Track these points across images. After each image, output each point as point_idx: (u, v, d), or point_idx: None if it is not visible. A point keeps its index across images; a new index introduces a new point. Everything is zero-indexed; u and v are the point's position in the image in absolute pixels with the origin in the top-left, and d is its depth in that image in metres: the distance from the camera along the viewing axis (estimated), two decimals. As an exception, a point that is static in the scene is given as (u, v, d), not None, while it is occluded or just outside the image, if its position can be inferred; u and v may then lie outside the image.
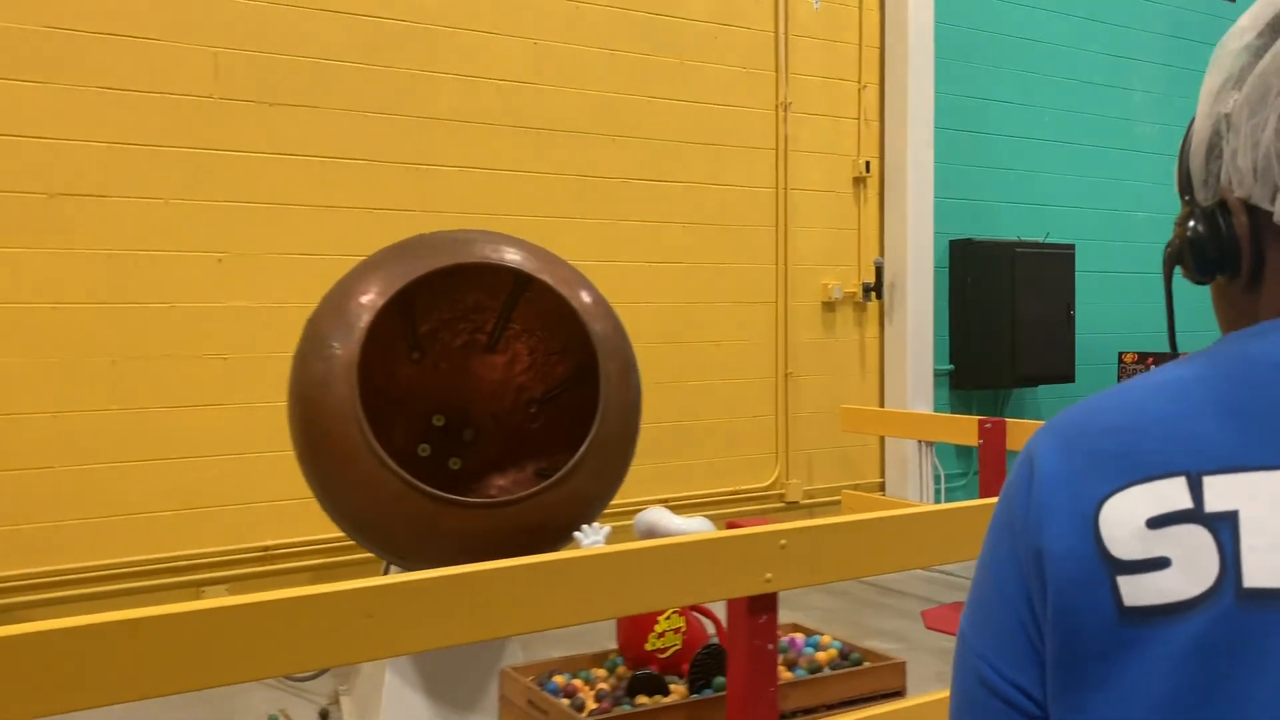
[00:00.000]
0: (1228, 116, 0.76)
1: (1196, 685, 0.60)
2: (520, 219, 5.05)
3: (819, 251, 6.00)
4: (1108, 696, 0.63)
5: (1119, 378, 6.37)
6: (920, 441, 6.08)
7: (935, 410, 6.40)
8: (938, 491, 6.20)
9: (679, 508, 5.53)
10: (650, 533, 2.68)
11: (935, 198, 6.38)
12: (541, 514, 2.68)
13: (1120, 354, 6.37)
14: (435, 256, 2.94)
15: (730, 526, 2.37)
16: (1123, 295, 7.22)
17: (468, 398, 3.46)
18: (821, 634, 2.91)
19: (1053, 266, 6.36)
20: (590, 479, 2.76)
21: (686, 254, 5.56)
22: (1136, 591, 0.63)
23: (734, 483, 5.73)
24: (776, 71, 5.80)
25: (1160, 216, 7.45)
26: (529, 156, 5.08)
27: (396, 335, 3.33)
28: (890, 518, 2.48)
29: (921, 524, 2.54)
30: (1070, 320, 6.42)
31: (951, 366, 6.49)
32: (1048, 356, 6.32)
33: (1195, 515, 0.63)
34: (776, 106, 5.81)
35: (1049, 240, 6.60)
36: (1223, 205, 0.76)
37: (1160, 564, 0.63)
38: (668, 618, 2.59)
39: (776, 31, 5.79)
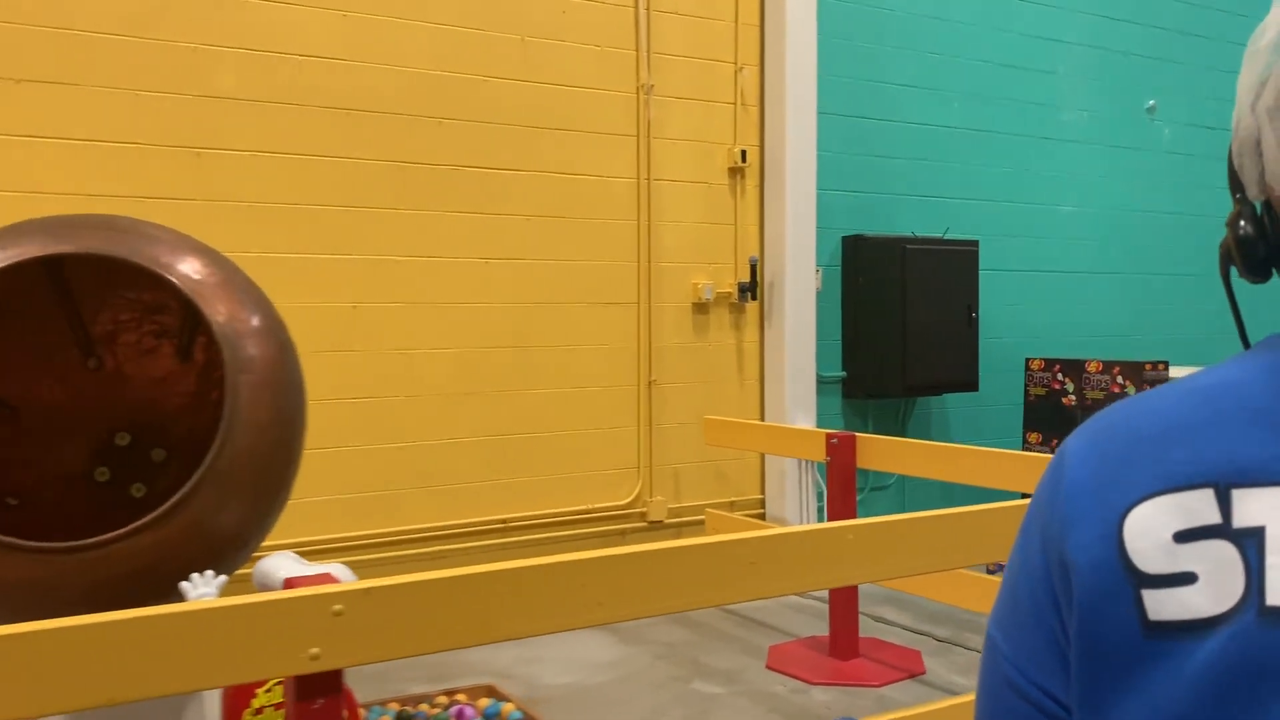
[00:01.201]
0: (1262, 117, 0.72)
1: (1215, 703, 0.58)
2: (326, 209, 4.56)
3: (689, 248, 5.49)
4: (1128, 709, 0.62)
5: (1026, 387, 5.85)
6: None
7: (823, 422, 5.88)
8: (820, 510, 5.68)
9: (526, 528, 5.03)
10: (265, 586, 2.18)
11: (827, 191, 5.87)
12: (138, 560, 2.18)
13: (1027, 360, 5.84)
14: (85, 238, 2.45)
15: (287, 585, 1.87)
16: (1035, 296, 6.67)
17: (159, 413, 2.96)
18: (506, 700, 2.40)
19: (953, 265, 5.83)
20: (212, 514, 2.25)
21: (530, 250, 5.05)
22: (1161, 606, 0.62)
23: (588, 500, 5.22)
24: (637, 51, 5.29)
25: (1087, 210, 6.92)
26: (336, 140, 4.59)
27: (65, 337, 2.83)
28: (547, 566, 1.98)
29: (592, 572, 2.03)
30: (972, 324, 5.89)
31: (844, 374, 5.97)
32: (946, 363, 5.79)
33: (1223, 530, 0.61)
34: (637, 89, 5.30)
35: (948, 236, 6.07)
36: (1269, 204, 0.74)
37: (1186, 579, 0.61)
38: (268, 690, 2.09)
39: (636, 7, 5.28)
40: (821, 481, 5.65)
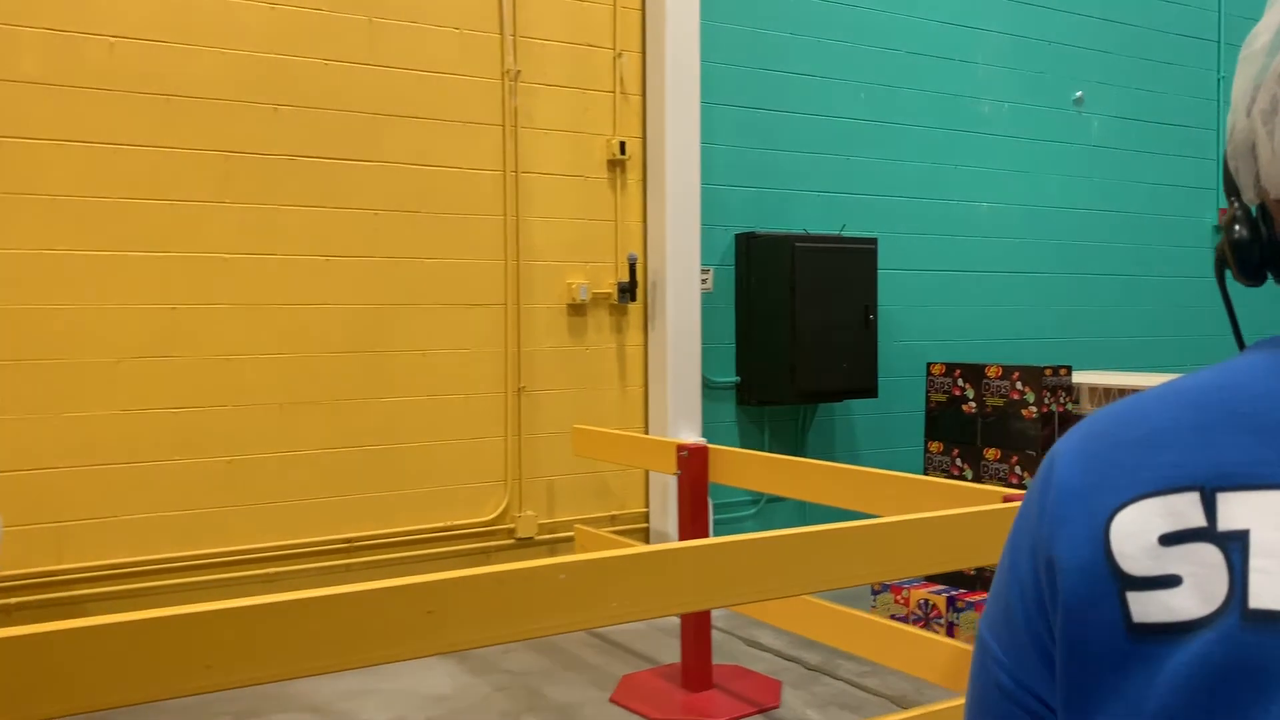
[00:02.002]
0: (1256, 121, 0.72)
1: (1197, 706, 0.59)
2: (140, 203, 4.19)
3: (563, 245, 5.14)
4: (1111, 711, 0.62)
5: (927, 393, 5.51)
6: (686, 467, 5.21)
7: (715, 431, 5.53)
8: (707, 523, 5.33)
9: (375, 548, 4.67)
10: None
11: (720, 186, 5.53)
12: None
13: (929, 365, 5.50)
14: None
15: None
16: (947, 297, 6.34)
17: None
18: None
19: (849, 264, 5.49)
20: None
21: (379, 247, 4.70)
22: (1145, 608, 0.62)
23: (448, 516, 4.86)
24: (501, 34, 4.94)
25: (1007, 207, 6.59)
26: (152, 128, 4.22)
27: None
28: (334, 597, 1.68)
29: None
30: (870, 326, 5.55)
31: (737, 380, 5.63)
32: (842, 368, 5.45)
33: (1208, 534, 0.61)
34: (502, 75, 4.95)
35: (846, 234, 5.73)
36: (1264, 208, 0.74)
37: (1171, 582, 0.61)
38: None
39: (500, -14, 4.94)
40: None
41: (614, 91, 5.23)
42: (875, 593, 4.73)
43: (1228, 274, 0.78)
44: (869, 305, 5.53)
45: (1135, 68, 7.17)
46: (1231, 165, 0.76)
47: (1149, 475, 0.65)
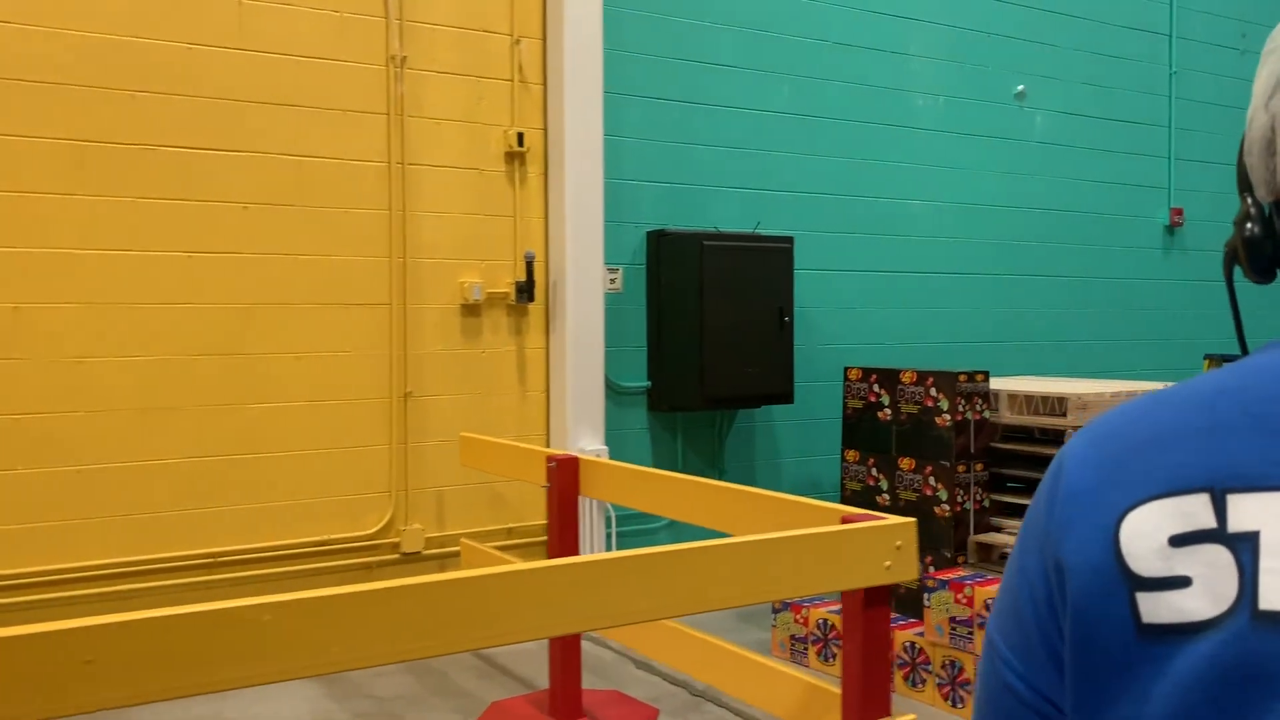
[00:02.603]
0: (1278, 115, 0.72)
1: (1206, 706, 0.58)
2: (-15, 195, 3.92)
3: (456, 242, 4.86)
4: (1120, 712, 0.62)
5: (845, 398, 5.24)
6: (587, 477, 4.94)
7: (625, 439, 5.26)
8: (609, 537, 5.06)
9: (241, 563, 4.40)
10: None
11: (630, 181, 5.26)
12: None
13: (846, 370, 5.23)
14: None
15: None
16: (875, 299, 6.06)
17: None
18: None
19: (763, 264, 5.22)
20: None
21: (249, 242, 4.42)
22: (1155, 609, 0.62)
23: (325, 530, 4.58)
24: (386, 18, 4.66)
25: (944, 205, 6.32)
26: (-8, 114, 3.95)
27: None
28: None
29: None
30: (786, 329, 5.28)
31: (649, 384, 5.36)
32: (755, 373, 5.18)
33: (1218, 535, 0.61)
34: (387, 61, 4.68)
35: (761, 231, 5.46)
36: (1277, 204, 0.75)
37: (1181, 583, 0.61)
38: None
39: (384, -32, 4.66)
40: (610, 507, 5.04)
41: (512, 80, 4.96)
42: (776, 610, 4.47)
43: (1236, 271, 0.77)
44: (784, 307, 5.26)
45: (1082, 61, 6.91)
46: (1246, 160, 0.75)
47: (1159, 476, 0.65)
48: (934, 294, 6.31)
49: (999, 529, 4.68)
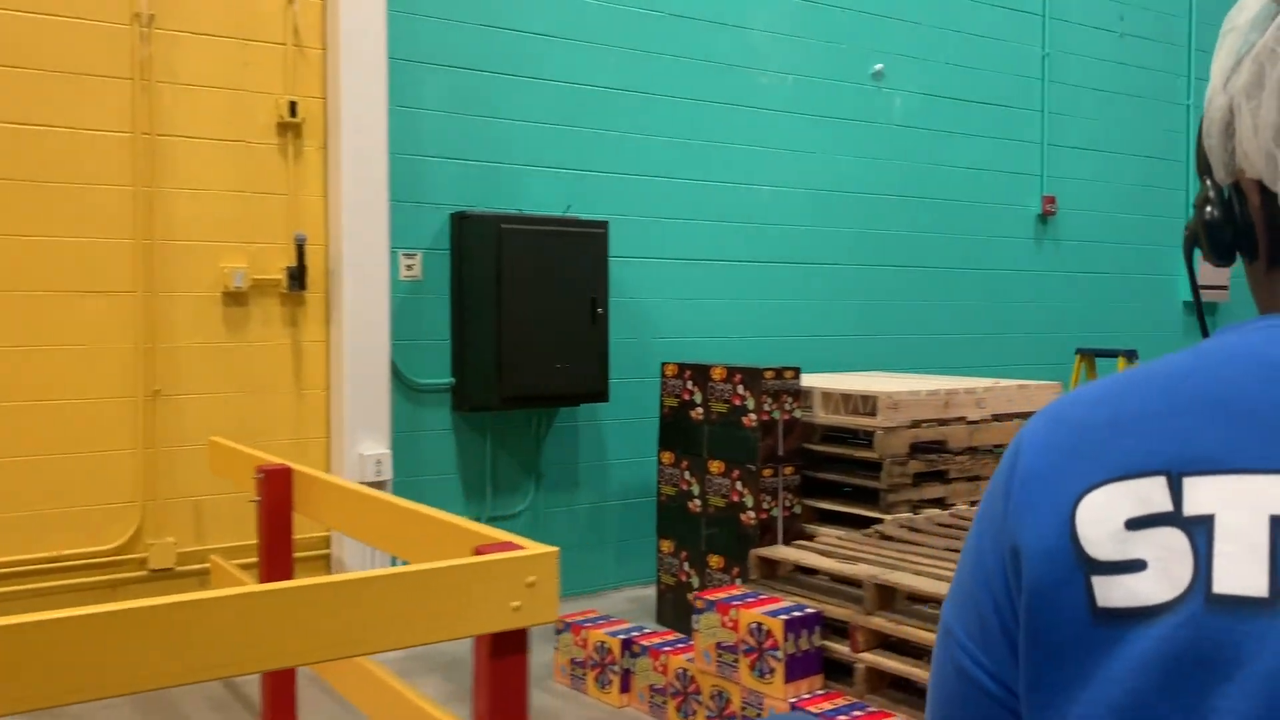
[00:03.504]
0: (1235, 96, 0.72)
1: (1157, 689, 0.59)
2: None
3: (216, 223, 4.38)
4: (1073, 695, 0.62)
5: (661, 396, 4.84)
6: (370, 484, 4.50)
7: (427, 441, 4.81)
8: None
9: (-49, 583, 3.88)
10: None
11: (433, 158, 4.81)
12: None
13: (663, 366, 4.84)
14: None
15: None
16: (706, 290, 5.65)
17: None
18: None
19: (573, 251, 4.80)
20: None
21: (-41, 221, 3.90)
22: (1110, 593, 0.62)
23: (58, 545, 4.08)
24: (128, -30, 4.17)
25: (791, 191, 5.94)
26: None
27: None
28: None
29: None
30: (600, 321, 4.86)
31: (452, 381, 4.91)
32: (563, 369, 4.76)
33: (1174, 518, 0.61)
34: (132, 19, 4.17)
35: (571, 214, 5.03)
36: (1238, 186, 0.74)
37: (1136, 566, 0.62)
38: None
39: (124, -87, 4.16)
40: (394, 515, 4.58)
41: (285, 43, 4.48)
42: (558, 631, 4.05)
43: (1198, 254, 0.78)
44: (598, 297, 4.84)
45: (945, 40, 6.56)
46: (1205, 142, 0.75)
47: (1116, 459, 0.65)
48: (782, 285, 5.92)
49: (812, 536, 4.31)
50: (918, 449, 4.33)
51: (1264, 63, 0.69)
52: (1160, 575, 0.60)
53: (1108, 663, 0.61)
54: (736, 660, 3.33)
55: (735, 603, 3.37)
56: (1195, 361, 0.67)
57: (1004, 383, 4.73)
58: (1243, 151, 0.71)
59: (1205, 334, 0.76)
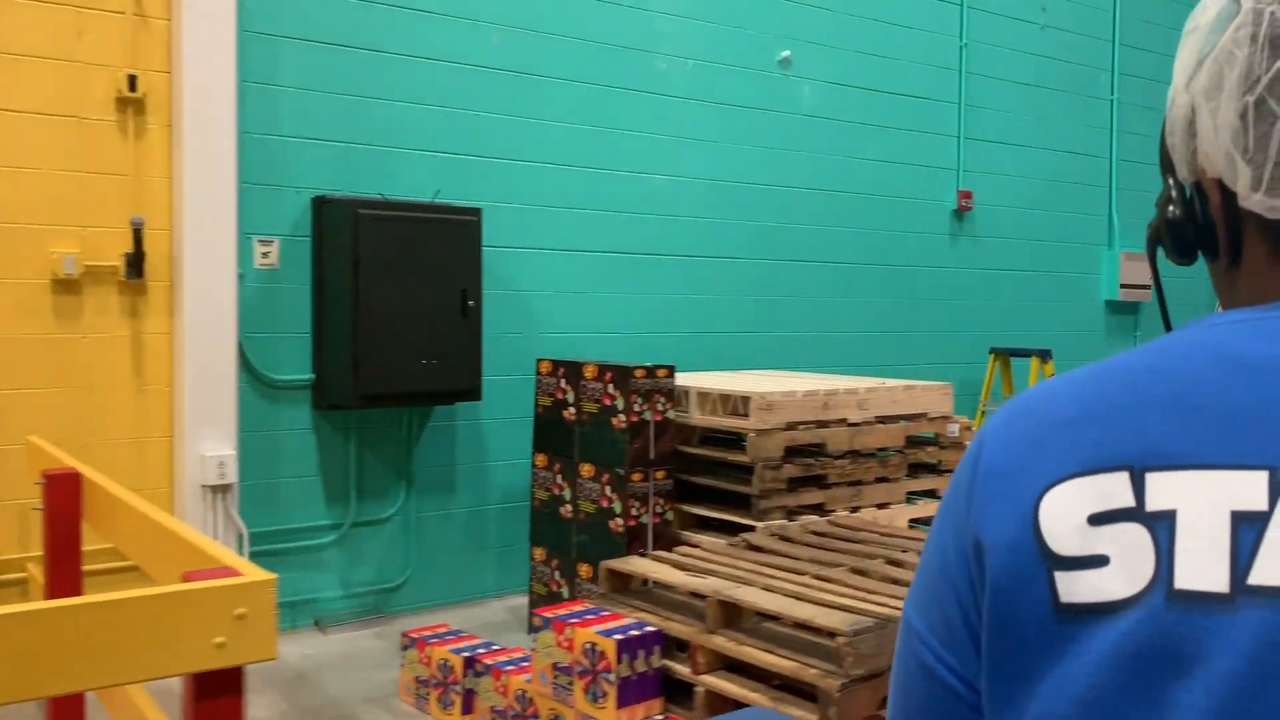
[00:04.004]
0: (1197, 97, 0.73)
1: (1119, 685, 0.59)
2: None
3: (43, 205, 4.04)
4: (1035, 691, 0.62)
5: (536, 392, 4.58)
6: (214, 487, 4.21)
7: (286, 441, 4.51)
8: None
9: None
10: None
11: (293, 139, 4.50)
12: None
13: (538, 363, 4.58)
14: None
15: None
16: (596, 284, 5.38)
17: None
18: None
19: (443, 240, 4.51)
20: None
21: None
22: (1073, 588, 0.62)
23: None
24: (-60, -73, 3.83)
25: (690, 181, 5.70)
26: None
27: None
28: None
29: None
30: (472, 314, 4.58)
31: (312, 377, 4.62)
32: (432, 366, 4.48)
33: (1136, 514, 0.62)
34: (-56, -19, 3.85)
35: (440, 200, 4.74)
36: (1199, 186, 0.75)
37: (1098, 562, 0.62)
38: None
39: None
40: (241, 522, 4.29)
41: (125, 12, 4.15)
42: (404, 647, 3.78)
43: (1161, 252, 0.79)
44: (469, 289, 4.56)
45: (858, 28, 6.35)
46: (1169, 140, 0.76)
47: (1079, 454, 0.64)
48: (678, 280, 5.68)
49: (686, 543, 4.07)
50: (794, 452, 4.11)
51: (1223, 64, 0.69)
52: (1122, 571, 0.60)
53: (1070, 658, 0.60)
54: (571, 682, 3.08)
55: (572, 620, 3.12)
56: (1157, 358, 0.67)
57: (890, 383, 4.52)
58: (1204, 151, 0.71)
59: (1168, 328, 0.76)
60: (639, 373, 4.06)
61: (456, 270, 4.51)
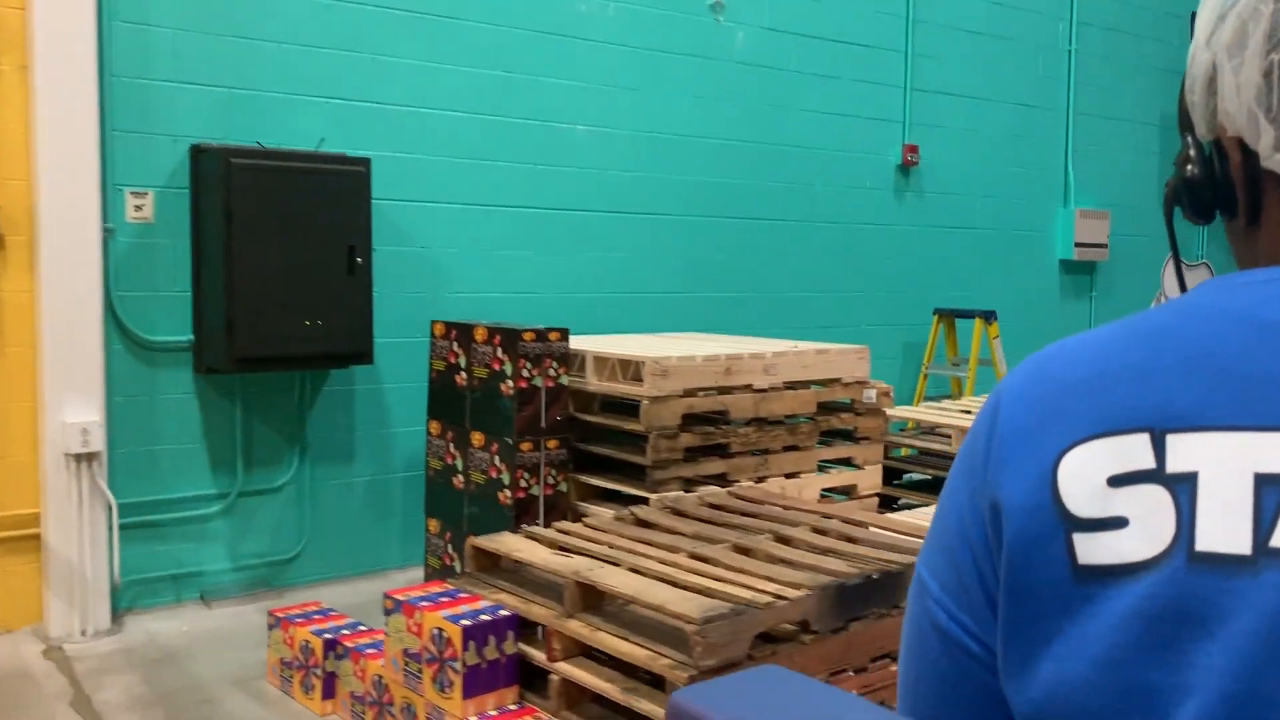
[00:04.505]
0: (1218, 53, 0.71)
1: (1138, 645, 0.59)
2: None
3: (-115, 153, 3.76)
4: (1052, 652, 0.62)
5: (430, 357, 4.33)
6: (77, 456, 3.95)
7: (167, 406, 4.25)
8: (112, 532, 4.07)
9: None
10: None
11: (168, 83, 4.20)
12: None
13: (432, 324, 4.32)
14: None
15: None
16: (500, 241, 5.10)
17: None
18: None
19: (327, 192, 4.23)
20: None
21: None
22: (1091, 550, 0.62)
23: None
24: None
25: (610, 131, 5.40)
26: None
27: None
28: None
29: None
30: (360, 272, 4.31)
31: (192, 338, 4.35)
32: (317, 328, 4.21)
33: (1156, 475, 0.61)
34: None
35: (323, 149, 4.45)
36: (1218, 144, 0.73)
37: (1118, 524, 0.61)
38: None
39: None
40: (109, 493, 4.04)
41: (-28, -57, 3.83)
42: (270, 626, 3.56)
43: (1178, 213, 0.77)
44: (356, 246, 4.29)
45: (795, -28, 6.03)
46: (1187, 98, 0.74)
47: (1098, 416, 0.64)
48: (600, 238, 5.40)
49: (583, 516, 3.84)
50: (694, 421, 3.87)
51: (1247, 20, 0.68)
52: (1142, 532, 0.60)
53: (1087, 619, 0.60)
54: (421, 670, 2.86)
55: (423, 604, 2.89)
56: (1176, 319, 0.66)
57: (803, 346, 4.27)
58: (1224, 109, 0.70)
59: (1184, 289, 0.73)
60: (528, 336, 3.81)
61: (342, 225, 4.24)
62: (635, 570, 2.84)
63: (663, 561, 2.91)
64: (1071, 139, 7.57)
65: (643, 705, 2.51)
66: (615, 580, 2.73)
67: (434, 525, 4.26)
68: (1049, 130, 7.46)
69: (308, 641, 3.33)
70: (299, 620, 3.45)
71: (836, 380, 4.25)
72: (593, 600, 2.80)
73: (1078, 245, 7.56)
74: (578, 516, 3.90)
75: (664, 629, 2.64)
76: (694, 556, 2.96)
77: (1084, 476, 0.62)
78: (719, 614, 2.46)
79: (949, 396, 6.77)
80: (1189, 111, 0.73)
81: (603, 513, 3.72)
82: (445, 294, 4.92)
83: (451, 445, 4.13)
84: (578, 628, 2.71)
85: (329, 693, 3.29)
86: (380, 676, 3.06)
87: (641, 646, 2.57)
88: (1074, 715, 0.61)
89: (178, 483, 4.34)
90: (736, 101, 5.86)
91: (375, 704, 3.08)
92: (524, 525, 3.78)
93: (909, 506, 4.59)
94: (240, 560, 4.52)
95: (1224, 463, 0.59)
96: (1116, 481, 0.61)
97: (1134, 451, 0.61)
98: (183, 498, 4.36)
